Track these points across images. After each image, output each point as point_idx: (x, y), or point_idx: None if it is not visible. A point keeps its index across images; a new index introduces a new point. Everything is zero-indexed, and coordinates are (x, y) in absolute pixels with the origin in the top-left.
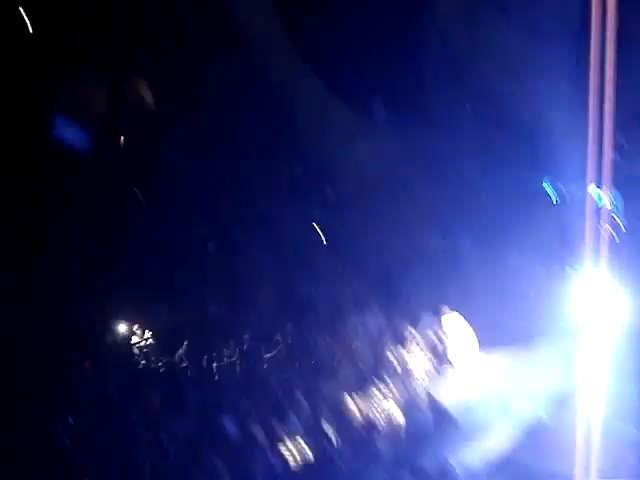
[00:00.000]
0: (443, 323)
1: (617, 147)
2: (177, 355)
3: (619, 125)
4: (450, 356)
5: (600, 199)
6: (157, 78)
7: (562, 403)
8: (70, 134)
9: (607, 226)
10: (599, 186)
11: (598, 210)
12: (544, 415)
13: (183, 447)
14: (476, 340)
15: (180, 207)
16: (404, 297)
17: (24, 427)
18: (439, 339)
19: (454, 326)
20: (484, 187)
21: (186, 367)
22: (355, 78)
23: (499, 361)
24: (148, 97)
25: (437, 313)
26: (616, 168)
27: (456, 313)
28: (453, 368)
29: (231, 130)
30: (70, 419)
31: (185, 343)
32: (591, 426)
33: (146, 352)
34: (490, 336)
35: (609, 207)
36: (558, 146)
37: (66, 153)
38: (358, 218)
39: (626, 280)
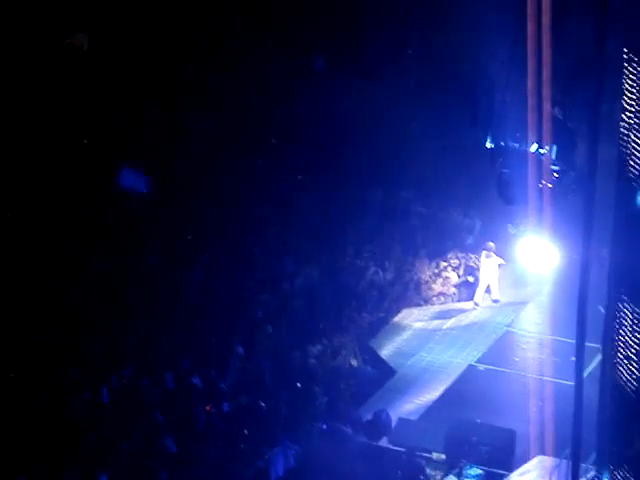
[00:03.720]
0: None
1: (555, 102)
2: None
3: (557, 79)
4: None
5: (540, 154)
6: None
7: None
8: None
9: (547, 182)
10: (539, 142)
11: (539, 166)
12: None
13: None
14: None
15: None
16: (347, 249)
17: None
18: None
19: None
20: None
21: None
22: None
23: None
24: None
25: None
26: (555, 123)
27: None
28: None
29: None
30: None
31: None
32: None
33: None
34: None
35: (549, 163)
36: (499, 101)
37: None
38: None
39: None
